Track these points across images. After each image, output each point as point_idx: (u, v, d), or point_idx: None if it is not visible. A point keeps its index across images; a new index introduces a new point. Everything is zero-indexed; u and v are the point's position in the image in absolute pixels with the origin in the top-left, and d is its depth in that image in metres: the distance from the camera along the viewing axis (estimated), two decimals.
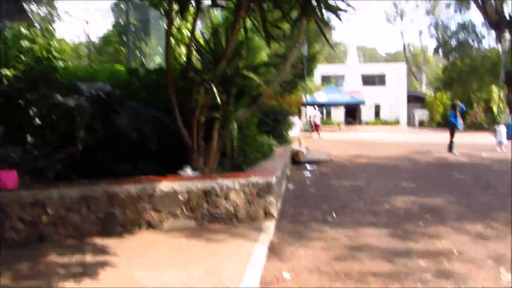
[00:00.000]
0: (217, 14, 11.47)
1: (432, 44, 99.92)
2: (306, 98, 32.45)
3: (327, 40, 6.76)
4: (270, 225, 5.13)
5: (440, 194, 7.36)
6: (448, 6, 43.44)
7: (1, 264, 3.88)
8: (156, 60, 13.30)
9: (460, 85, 35.79)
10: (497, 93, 33.08)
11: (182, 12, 5.33)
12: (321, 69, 44.48)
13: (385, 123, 46.96)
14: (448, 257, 4.28)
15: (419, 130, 38.03)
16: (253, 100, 5.71)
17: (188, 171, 5.34)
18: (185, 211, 5.00)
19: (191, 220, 5.03)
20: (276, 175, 5.72)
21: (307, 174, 9.84)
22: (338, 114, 47.85)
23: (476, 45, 43.58)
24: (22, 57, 5.59)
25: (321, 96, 37.28)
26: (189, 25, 7.06)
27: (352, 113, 46.40)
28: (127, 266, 3.80)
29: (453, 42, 44.73)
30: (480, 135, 23.87)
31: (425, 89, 64.33)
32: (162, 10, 7.35)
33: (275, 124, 11.17)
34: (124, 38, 15.68)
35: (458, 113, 14.95)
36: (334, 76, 48.67)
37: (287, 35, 8.90)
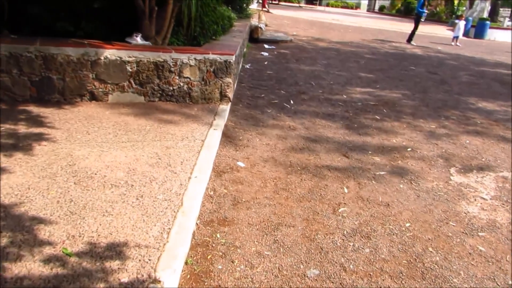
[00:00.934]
0: None
1: None
2: None
3: None
4: (225, 108, 4.82)
5: (397, 87, 7.29)
6: None
7: None
8: None
9: None
10: None
11: None
12: None
13: (346, 5, 45.45)
14: (401, 154, 4.28)
15: (379, 16, 37.27)
16: None
17: (139, 39, 4.69)
18: (133, 84, 4.50)
19: (140, 95, 4.57)
20: (236, 54, 5.23)
21: (265, 54, 9.34)
22: None
23: None
24: None
25: None
26: None
27: None
28: (66, 141, 3.41)
29: None
30: (438, 27, 23.89)
31: None
32: None
33: None
34: None
35: (426, 2, 14.44)
36: None
37: None
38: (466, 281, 2.41)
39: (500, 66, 11.46)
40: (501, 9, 35.92)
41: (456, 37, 15.77)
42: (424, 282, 2.37)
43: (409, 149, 4.42)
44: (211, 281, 2.22)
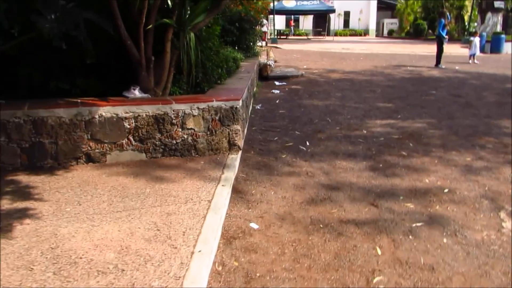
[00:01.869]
0: None
1: None
2: (274, 4, 30.43)
3: None
4: (235, 158, 4.39)
5: (420, 115, 6.78)
6: None
7: None
8: None
9: None
10: (470, 0, 32.04)
11: None
12: None
13: (354, 32, 45.63)
14: (438, 197, 3.73)
15: (389, 40, 37.13)
16: (215, 3, 4.60)
17: (136, 92, 4.36)
18: (132, 141, 4.13)
19: (140, 152, 4.19)
20: (243, 98, 4.85)
21: (276, 91, 8.99)
22: (307, 23, 45.87)
23: None
24: None
25: (290, 3, 35.10)
26: None
27: (321, 22, 44.45)
28: (53, 216, 3.00)
29: None
30: (451, 46, 23.39)
31: None
32: None
33: (241, 34, 9.92)
34: None
35: (447, 23, 14.05)
36: None
37: None
38: None
39: None
40: None
41: (472, 55, 15.23)
42: None
43: (446, 190, 3.87)
44: None
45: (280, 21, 42.71)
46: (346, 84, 10.06)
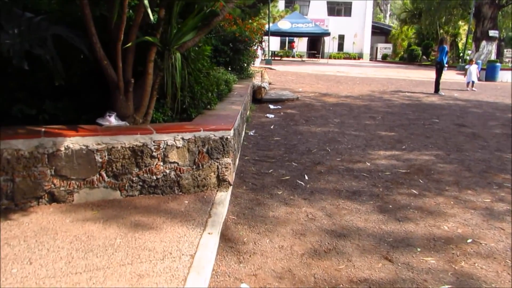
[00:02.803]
0: None
1: None
2: (269, 26, 30.32)
3: None
4: (224, 197, 3.81)
5: (426, 147, 6.27)
6: None
7: None
8: None
9: (428, 17, 34.47)
10: (464, 28, 32.25)
11: None
12: None
13: (349, 56, 45.78)
14: (461, 249, 3.18)
15: (383, 64, 37.15)
16: (205, 21, 4.10)
17: (112, 119, 3.80)
18: (105, 177, 3.55)
19: (114, 190, 3.60)
20: (235, 126, 4.31)
21: (271, 116, 8.47)
22: (301, 45, 45.93)
23: None
24: None
25: (285, 24, 35.07)
26: None
27: (316, 45, 44.56)
28: None
29: None
30: (446, 72, 23.24)
31: (389, 21, 63.11)
32: None
33: (235, 55, 9.46)
34: None
35: (448, 50, 13.80)
36: (299, 2, 45.99)
37: None
38: None
39: None
40: (505, 50, 35.73)
41: (471, 82, 14.91)
42: None
43: (469, 241, 3.31)
44: None
45: (275, 43, 42.71)
46: (344, 109, 9.59)
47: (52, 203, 3.43)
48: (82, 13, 3.53)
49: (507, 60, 31.62)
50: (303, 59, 41.85)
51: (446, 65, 13.93)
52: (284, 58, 40.90)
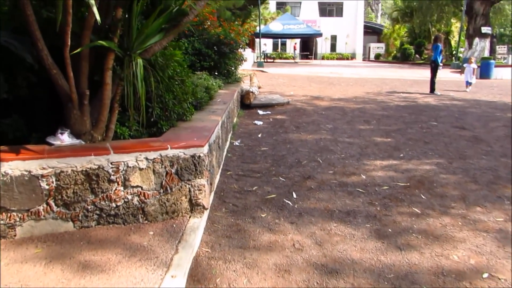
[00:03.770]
0: None
1: None
2: (260, 28, 29.89)
3: None
4: (197, 225, 3.28)
5: (425, 154, 5.77)
6: None
7: None
8: None
9: (420, 16, 34.14)
10: (456, 25, 31.94)
11: None
12: None
13: (341, 56, 45.43)
14: (477, 286, 2.66)
15: (376, 64, 36.75)
16: (173, 21, 3.58)
17: (64, 137, 3.26)
18: (53, 207, 3.00)
19: (65, 221, 3.06)
20: (210, 141, 3.78)
21: (259, 122, 7.94)
22: (293, 47, 45.50)
23: None
24: None
25: (276, 26, 34.62)
26: None
27: (308, 46, 44.15)
28: None
29: None
30: (440, 71, 22.85)
31: (380, 21, 62.93)
32: None
33: (220, 58, 8.91)
34: None
35: (442, 48, 13.30)
36: (290, 3, 45.59)
37: None
38: None
39: None
40: (497, 46, 35.42)
41: (469, 82, 14.36)
42: None
43: (485, 275, 2.80)
44: None
45: (267, 45, 42.22)
46: (337, 113, 9.08)
47: None
48: (23, 14, 2.99)
49: (499, 56, 31.28)
50: (296, 60, 41.44)
51: (441, 64, 13.44)
52: (276, 60, 40.46)
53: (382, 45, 45.92)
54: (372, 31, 49.08)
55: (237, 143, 6.30)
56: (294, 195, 4.21)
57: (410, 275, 2.80)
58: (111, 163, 3.07)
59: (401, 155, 5.73)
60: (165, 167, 3.25)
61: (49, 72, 3.19)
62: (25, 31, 3.20)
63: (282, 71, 23.48)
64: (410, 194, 4.27)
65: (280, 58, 42.79)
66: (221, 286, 2.65)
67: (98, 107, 3.41)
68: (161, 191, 3.27)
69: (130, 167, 3.13)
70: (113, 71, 3.37)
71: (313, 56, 42.16)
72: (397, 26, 42.04)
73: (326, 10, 46.22)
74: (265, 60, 36.04)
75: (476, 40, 27.36)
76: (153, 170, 3.21)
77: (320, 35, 37.27)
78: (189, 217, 3.39)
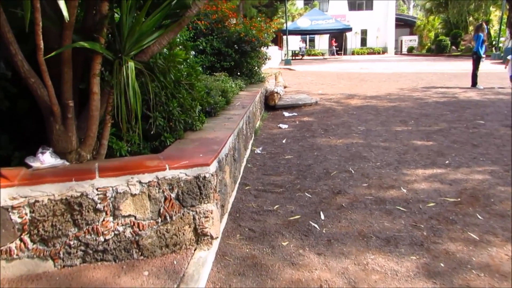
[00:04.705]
0: None
1: None
2: (286, 24, 29.22)
3: None
4: (203, 260, 2.71)
5: (475, 160, 4.99)
6: None
7: None
8: None
9: (456, 5, 32.46)
10: (496, 14, 30.17)
11: None
12: None
13: (372, 51, 44.05)
14: None
15: (409, 57, 35.27)
16: (174, 16, 3.03)
17: (46, 158, 2.76)
18: (28, 243, 2.51)
19: (44, 259, 2.55)
20: (220, 156, 3.20)
21: (284, 126, 7.32)
22: (322, 42, 44.53)
23: None
24: None
25: (304, 22, 33.79)
26: None
27: (338, 41, 43.00)
28: None
29: None
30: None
31: (413, 12, 60.83)
32: None
33: (241, 57, 8.34)
34: None
35: (485, 38, 12.22)
36: None
37: None
38: None
39: None
40: None
41: None
42: None
43: None
44: None
45: (295, 42, 41.38)
46: (369, 113, 8.33)
47: None
48: None
49: None
50: (325, 56, 40.46)
51: (484, 56, 12.33)
52: (305, 57, 39.60)
53: (415, 37, 44.23)
54: (404, 24, 47.38)
55: (258, 151, 5.70)
56: (322, 216, 3.58)
57: None
58: (97, 189, 2.54)
59: (447, 161, 4.97)
60: (163, 192, 2.69)
61: (27, 81, 2.70)
62: None
63: (310, 69, 22.71)
64: (463, 213, 3.55)
65: (309, 55, 41.88)
66: None
67: (84, 121, 2.89)
68: (159, 220, 2.71)
69: (120, 193, 2.59)
70: (101, 77, 2.84)
71: (342, 52, 41.02)
72: (431, 17, 40.33)
73: (355, 4, 44.93)
74: (293, 58, 35.30)
75: None
76: (149, 196, 2.66)
77: (349, 29, 36.12)
78: (194, 249, 2.83)
